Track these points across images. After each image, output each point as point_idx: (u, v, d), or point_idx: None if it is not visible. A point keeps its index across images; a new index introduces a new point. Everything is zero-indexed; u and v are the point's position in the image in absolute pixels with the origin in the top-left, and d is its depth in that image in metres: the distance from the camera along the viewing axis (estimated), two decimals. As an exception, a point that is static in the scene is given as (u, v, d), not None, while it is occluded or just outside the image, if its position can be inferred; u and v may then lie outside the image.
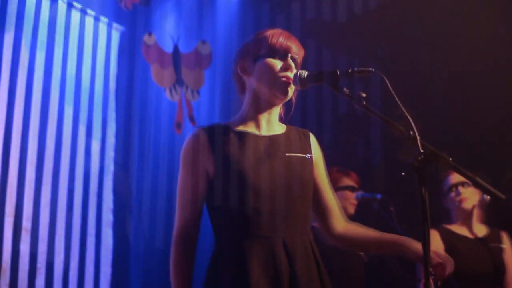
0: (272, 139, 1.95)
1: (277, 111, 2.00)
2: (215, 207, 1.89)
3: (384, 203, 3.18)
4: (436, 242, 3.17)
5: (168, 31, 4.03)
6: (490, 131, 4.02)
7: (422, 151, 1.61)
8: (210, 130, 1.93)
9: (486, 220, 3.31)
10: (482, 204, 3.28)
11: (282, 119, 2.04)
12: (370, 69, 1.78)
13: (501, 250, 3.19)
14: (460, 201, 3.23)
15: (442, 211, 3.33)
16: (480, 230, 3.27)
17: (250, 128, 1.95)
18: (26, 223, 3.04)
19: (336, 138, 4.46)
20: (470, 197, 3.22)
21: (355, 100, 1.77)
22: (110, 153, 3.59)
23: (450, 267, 1.85)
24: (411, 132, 1.64)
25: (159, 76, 3.91)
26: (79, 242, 3.32)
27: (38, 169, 3.15)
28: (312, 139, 2.05)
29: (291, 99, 1.99)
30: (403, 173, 1.66)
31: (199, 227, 1.93)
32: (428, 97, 4.30)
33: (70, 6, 3.43)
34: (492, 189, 1.62)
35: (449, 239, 3.20)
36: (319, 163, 2.04)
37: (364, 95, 1.76)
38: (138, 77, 3.77)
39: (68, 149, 3.32)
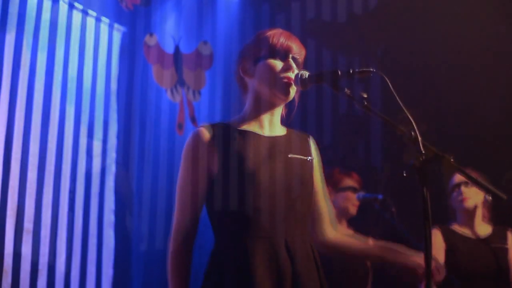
0: (275, 140, 1.95)
1: (279, 111, 2.00)
2: (216, 205, 1.87)
3: (386, 204, 3.19)
4: (438, 241, 3.18)
5: (168, 31, 4.04)
6: (490, 131, 4.03)
7: (423, 151, 1.62)
8: (214, 128, 1.91)
9: (493, 219, 3.32)
10: (486, 204, 3.28)
11: (284, 119, 2.04)
12: (371, 69, 1.79)
13: (505, 250, 3.19)
14: (462, 201, 3.23)
15: (449, 211, 3.35)
16: (484, 229, 3.28)
17: (253, 127, 1.95)
18: (28, 224, 3.04)
19: (336, 139, 4.47)
20: (472, 197, 3.23)
21: (356, 101, 1.78)
22: (112, 154, 3.59)
23: (441, 274, 1.88)
24: (412, 133, 1.65)
25: (160, 77, 3.91)
26: (80, 243, 3.32)
27: (39, 169, 3.14)
28: (312, 143, 2.06)
29: (294, 99, 1.99)
30: (404, 173, 1.67)
31: (197, 226, 1.91)
32: (428, 97, 4.31)
33: (71, 7, 3.43)
34: (493, 189, 1.63)
35: (451, 238, 3.21)
36: (318, 168, 2.04)
37: (365, 95, 1.76)
38: (139, 78, 3.77)
39: (69, 149, 3.32)
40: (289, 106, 2.05)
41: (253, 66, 1.96)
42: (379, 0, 4.45)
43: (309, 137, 2.07)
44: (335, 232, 2.08)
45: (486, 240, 3.22)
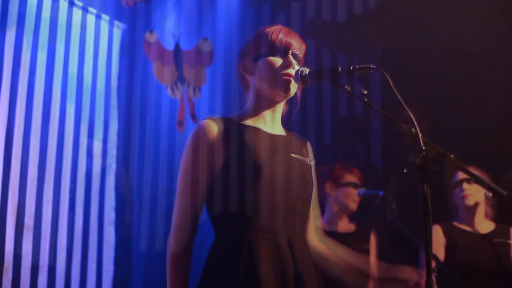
0: (277, 138, 1.95)
1: (280, 108, 2.00)
2: (220, 200, 1.85)
3: (386, 200, 3.19)
4: (438, 237, 3.20)
5: (169, 28, 4.04)
6: (490, 131, 4.03)
7: (423, 148, 1.62)
8: (220, 122, 1.90)
9: (496, 217, 3.32)
10: (490, 201, 3.30)
11: (285, 117, 2.04)
12: (371, 66, 1.79)
13: (507, 245, 3.20)
14: (463, 197, 3.25)
15: (451, 208, 3.36)
16: (486, 226, 3.29)
17: (257, 123, 1.95)
18: (28, 221, 3.04)
19: (336, 139, 4.47)
20: (474, 193, 3.24)
21: (356, 97, 1.78)
22: (112, 152, 3.59)
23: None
24: (412, 129, 1.65)
25: (160, 74, 3.91)
26: (81, 240, 3.32)
27: (40, 167, 3.15)
28: (309, 148, 2.07)
29: (295, 95, 1.99)
30: (404, 170, 1.67)
31: (198, 223, 1.89)
32: (428, 97, 4.31)
33: (71, 4, 3.44)
34: (494, 186, 1.63)
35: (451, 234, 3.23)
36: (314, 173, 2.04)
37: (365, 92, 1.77)
38: (140, 75, 3.77)
39: (70, 147, 3.33)
40: (291, 103, 2.04)
41: (253, 64, 1.95)
42: (379, 0, 4.46)
43: (307, 142, 2.08)
44: (317, 240, 2.06)
45: (488, 236, 3.23)
